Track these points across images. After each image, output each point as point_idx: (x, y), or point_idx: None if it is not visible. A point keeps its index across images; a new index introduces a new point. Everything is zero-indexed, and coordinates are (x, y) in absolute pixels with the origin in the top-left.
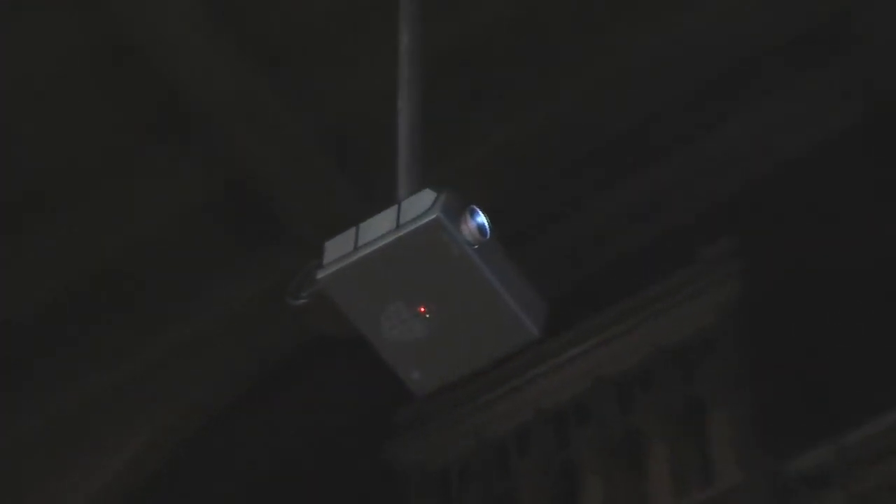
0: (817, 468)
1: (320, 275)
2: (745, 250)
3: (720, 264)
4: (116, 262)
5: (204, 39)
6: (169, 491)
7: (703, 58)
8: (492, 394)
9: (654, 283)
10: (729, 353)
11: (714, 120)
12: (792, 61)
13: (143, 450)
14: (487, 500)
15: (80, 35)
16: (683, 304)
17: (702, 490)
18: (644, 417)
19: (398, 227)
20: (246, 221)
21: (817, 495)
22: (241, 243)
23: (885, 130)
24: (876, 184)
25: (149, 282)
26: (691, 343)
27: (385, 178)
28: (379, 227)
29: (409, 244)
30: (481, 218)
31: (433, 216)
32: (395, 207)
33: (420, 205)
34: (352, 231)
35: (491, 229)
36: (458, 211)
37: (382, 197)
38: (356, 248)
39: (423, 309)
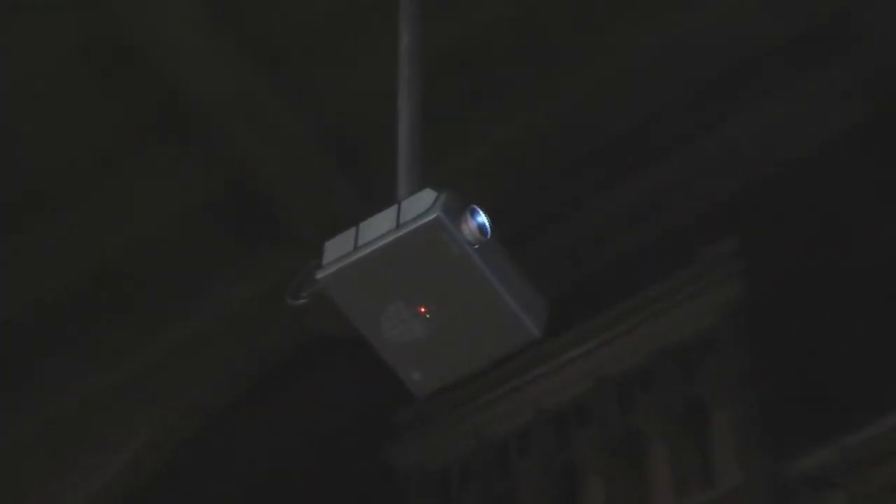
0: (819, 469)
1: (320, 275)
2: (746, 250)
3: (721, 264)
4: (116, 262)
5: (204, 39)
6: (169, 491)
7: (703, 58)
8: (492, 394)
9: (654, 284)
10: (730, 353)
11: (714, 120)
12: (792, 61)
13: (143, 450)
14: (487, 501)
15: (80, 35)
16: (684, 305)
17: (702, 490)
18: (645, 418)
19: (398, 226)
20: (246, 221)
21: (819, 496)
22: (241, 243)
23: (886, 130)
24: (876, 184)
25: (149, 282)
26: (692, 343)
27: (385, 178)
28: (379, 227)
29: (409, 244)
30: (482, 218)
31: (433, 216)
32: (395, 207)
33: (420, 204)
34: (352, 231)
35: (491, 229)
36: (458, 210)
37: (382, 197)
38: (356, 248)
39: (423, 309)
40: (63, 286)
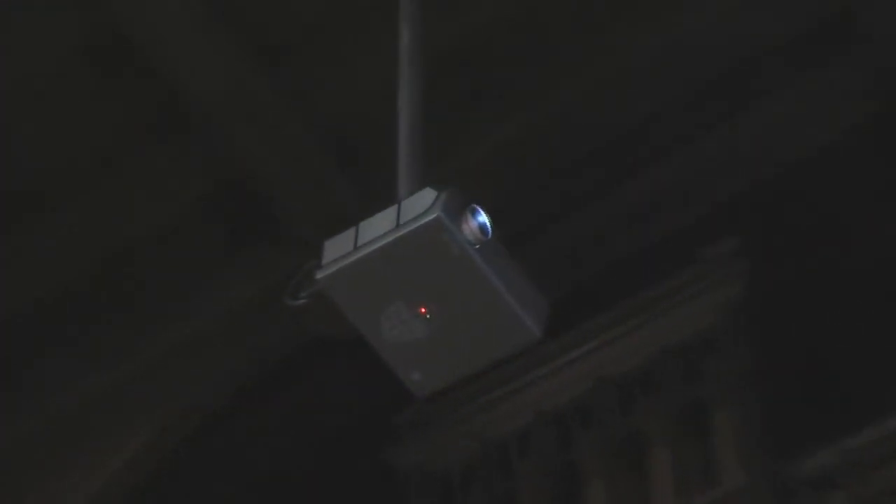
0: (819, 470)
1: (319, 275)
2: (746, 250)
3: (722, 264)
4: (116, 261)
5: (204, 39)
6: (169, 491)
7: (703, 58)
8: (493, 395)
9: (654, 284)
10: (731, 353)
11: (714, 120)
12: (792, 61)
13: (143, 450)
14: (488, 502)
15: (80, 35)
16: (685, 305)
17: (703, 491)
18: (645, 419)
19: (398, 226)
20: (246, 221)
21: (820, 498)
22: (242, 243)
23: (886, 130)
24: (877, 184)
25: (149, 281)
26: (693, 344)
27: (385, 178)
28: (379, 227)
29: (409, 244)
30: (482, 217)
31: (434, 215)
32: (395, 207)
33: (420, 204)
34: (351, 231)
35: (492, 229)
36: (459, 210)
37: (382, 197)
38: (356, 248)
39: (423, 309)
40: (63, 286)
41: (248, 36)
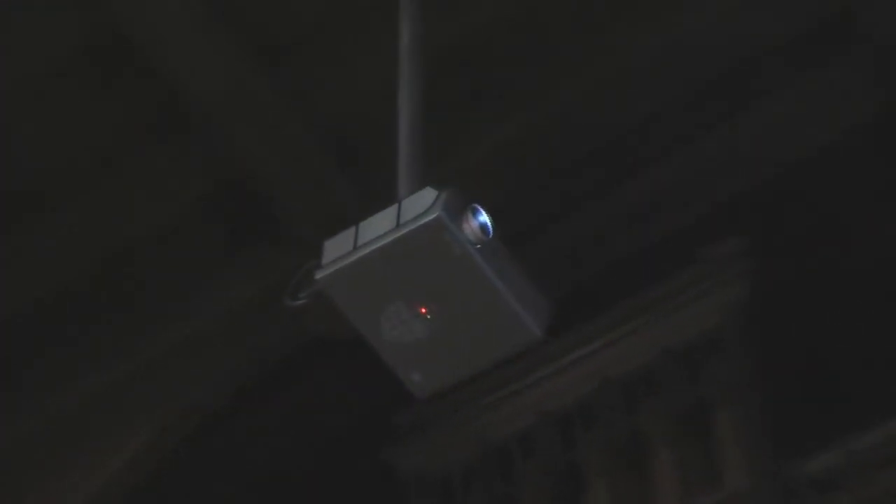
0: (824, 472)
1: (319, 275)
2: (751, 250)
3: (726, 264)
4: (116, 261)
5: (204, 39)
6: (169, 491)
7: (703, 58)
8: (494, 396)
9: (655, 284)
10: (736, 354)
11: (714, 120)
12: (792, 61)
13: (143, 450)
14: (489, 503)
15: (80, 35)
16: (689, 305)
17: (708, 493)
18: (649, 419)
19: (398, 226)
20: (246, 221)
21: (824, 499)
22: (242, 243)
23: (887, 130)
24: (877, 184)
25: (148, 281)
26: (697, 344)
27: (385, 178)
28: (379, 227)
29: (409, 243)
30: (483, 217)
31: (434, 215)
32: (395, 206)
33: (421, 203)
34: (351, 230)
35: (493, 228)
36: (459, 210)
37: (382, 197)
38: (356, 248)
39: (423, 309)
40: (63, 286)
41: (248, 36)
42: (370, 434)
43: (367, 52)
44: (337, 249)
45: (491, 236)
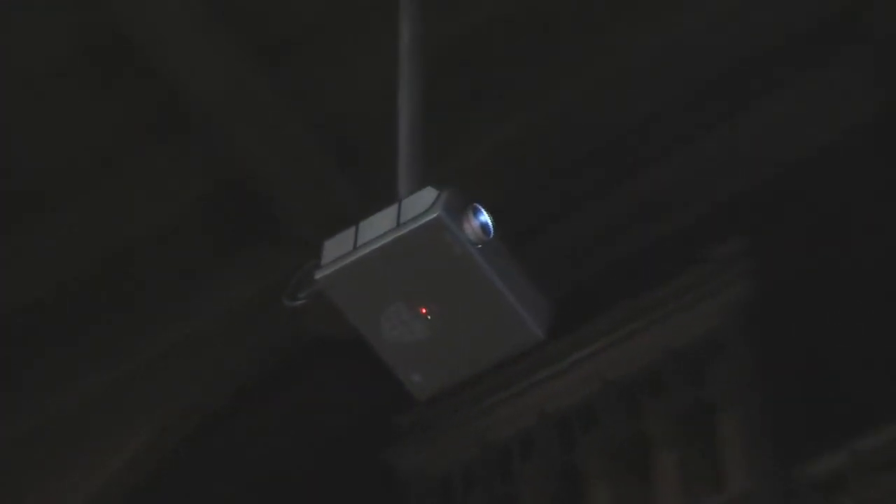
0: (827, 473)
1: (319, 275)
2: (751, 250)
3: (727, 264)
4: (116, 261)
5: (204, 39)
6: (169, 491)
7: (703, 58)
8: (495, 397)
9: (654, 284)
10: (737, 354)
11: (714, 120)
12: (792, 61)
13: (143, 450)
14: None
15: (80, 35)
16: (690, 306)
17: (710, 496)
18: (651, 421)
19: (399, 225)
20: (246, 221)
21: (827, 501)
22: (242, 243)
23: (887, 130)
24: (877, 184)
25: (148, 281)
26: (700, 345)
27: (385, 178)
28: (379, 226)
29: (409, 243)
30: (484, 217)
31: (435, 214)
32: (395, 206)
33: (421, 203)
34: (351, 230)
35: (494, 228)
36: (460, 209)
37: (382, 197)
38: (356, 248)
39: (424, 310)
40: (63, 286)
41: (248, 36)
42: (370, 434)
43: (367, 52)
44: (337, 249)
45: (492, 236)
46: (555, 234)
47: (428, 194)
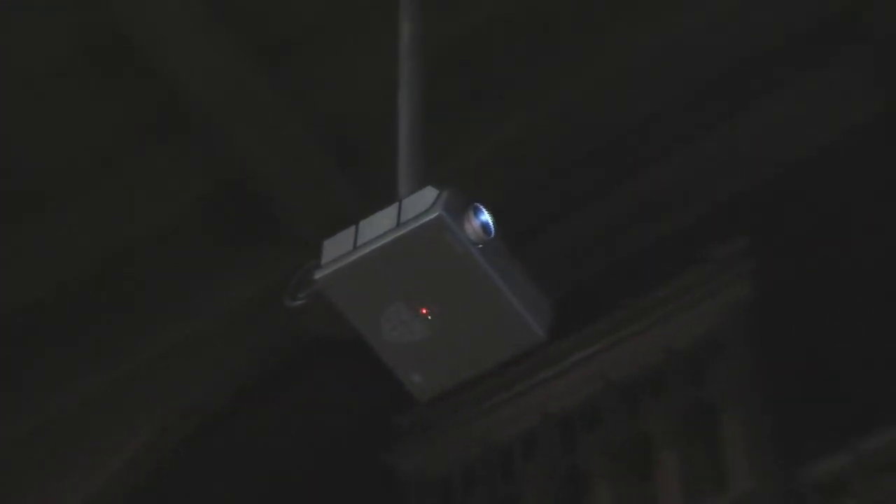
0: (830, 474)
1: (318, 275)
2: (751, 250)
3: (727, 265)
4: (116, 261)
5: (204, 39)
6: (169, 491)
7: (703, 58)
8: (496, 398)
9: (655, 284)
10: (741, 355)
11: (714, 120)
12: (792, 61)
13: (143, 450)
14: None
15: (80, 35)
16: (691, 306)
17: (712, 496)
18: (653, 421)
19: (399, 225)
20: (246, 221)
21: (831, 503)
22: (242, 243)
23: (887, 130)
24: (877, 184)
25: (148, 281)
26: (702, 345)
27: (385, 178)
28: (379, 226)
29: (410, 243)
30: (485, 216)
31: (435, 214)
32: (395, 205)
33: (422, 203)
34: (351, 230)
35: (495, 228)
36: (460, 209)
37: (382, 197)
38: (355, 248)
39: (424, 310)
40: (63, 286)
41: (248, 36)
42: (370, 434)
43: (367, 52)
44: (337, 249)
45: (492, 236)
46: (555, 234)
47: (428, 194)
